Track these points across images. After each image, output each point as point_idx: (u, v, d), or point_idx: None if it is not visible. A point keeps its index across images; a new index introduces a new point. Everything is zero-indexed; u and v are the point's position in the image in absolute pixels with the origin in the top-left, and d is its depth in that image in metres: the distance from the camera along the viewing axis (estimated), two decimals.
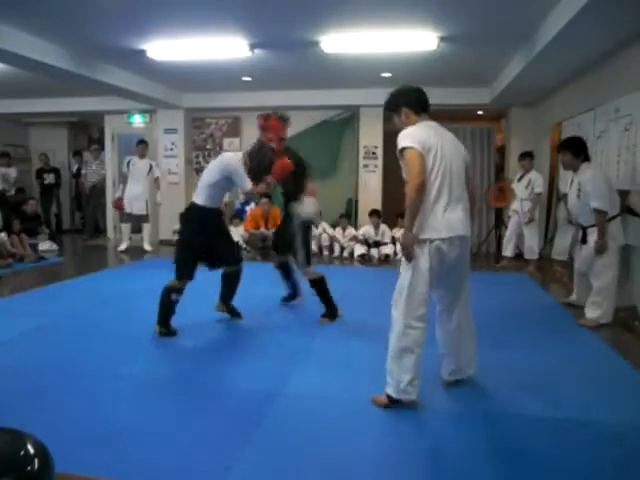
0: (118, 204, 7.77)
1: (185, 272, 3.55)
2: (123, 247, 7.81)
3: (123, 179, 7.80)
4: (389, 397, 2.50)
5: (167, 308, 3.59)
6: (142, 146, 7.81)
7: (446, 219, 2.45)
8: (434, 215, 2.44)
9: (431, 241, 2.43)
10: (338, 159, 8.61)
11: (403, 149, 2.47)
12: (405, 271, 2.50)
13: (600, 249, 3.95)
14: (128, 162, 7.71)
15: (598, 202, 3.90)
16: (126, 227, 7.94)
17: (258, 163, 3.52)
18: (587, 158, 4.17)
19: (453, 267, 2.54)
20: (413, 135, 2.50)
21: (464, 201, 2.59)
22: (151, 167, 7.83)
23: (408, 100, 2.71)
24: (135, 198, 7.67)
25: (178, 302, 3.60)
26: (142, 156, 7.77)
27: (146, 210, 7.81)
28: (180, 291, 3.58)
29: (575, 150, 4.15)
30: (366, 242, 7.55)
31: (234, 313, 3.99)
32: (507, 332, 3.85)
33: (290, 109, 8.27)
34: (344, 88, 7.79)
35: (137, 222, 7.90)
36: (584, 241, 4.15)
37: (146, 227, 7.94)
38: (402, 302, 2.47)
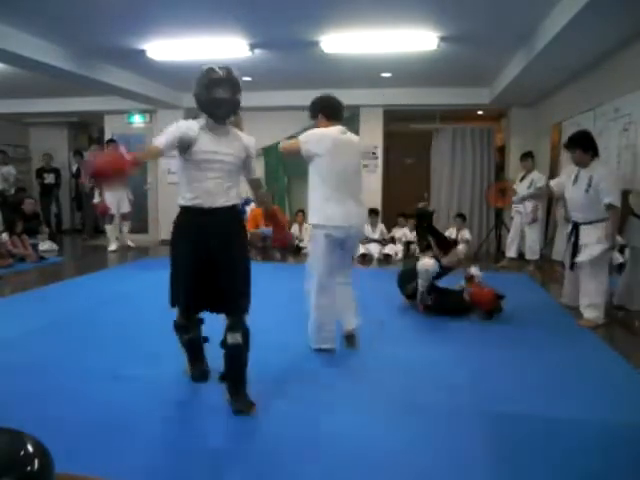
0: (104, 208, 7.70)
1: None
2: (113, 247, 7.84)
3: None
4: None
5: None
6: (114, 146, 7.81)
7: (340, 211, 3.07)
8: (330, 207, 3.07)
9: (324, 227, 3.08)
10: None
11: (297, 139, 3.19)
12: (312, 247, 3.28)
13: (612, 245, 3.94)
14: None
15: (614, 197, 3.84)
16: (112, 228, 7.95)
17: None
18: (596, 153, 4.07)
19: (343, 248, 3.22)
20: (312, 134, 3.16)
21: (357, 195, 3.20)
22: None
23: (321, 108, 3.28)
24: (121, 198, 7.83)
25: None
26: None
27: (130, 207, 8.01)
28: None
29: (584, 146, 4.05)
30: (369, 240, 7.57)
31: None
32: (507, 332, 3.85)
33: (290, 109, 8.33)
34: (344, 88, 7.76)
35: (120, 221, 8.02)
36: (576, 238, 4.10)
37: (127, 224, 8.12)
38: (314, 270, 3.20)
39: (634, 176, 4.33)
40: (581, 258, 4.04)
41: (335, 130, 3.17)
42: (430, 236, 4.61)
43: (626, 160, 4.55)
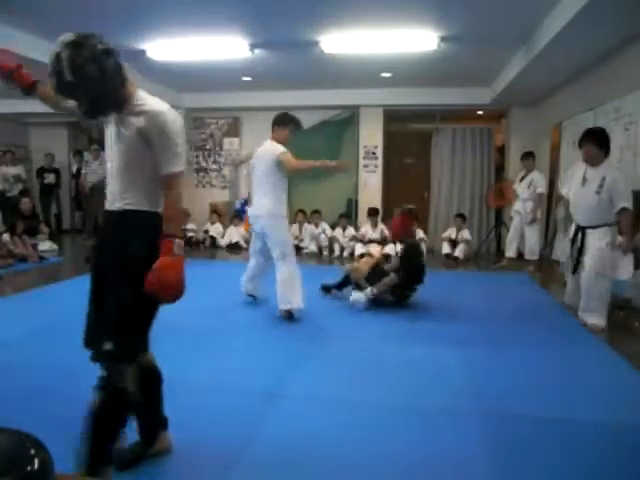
0: None
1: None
2: None
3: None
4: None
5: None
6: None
7: (254, 203, 4.14)
8: (253, 202, 4.17)
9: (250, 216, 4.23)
10: (338, 159, 8.59)
11: None
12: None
13: (629, 248, 3.85)
14: None
15: (628, 201, 3.71)
16: None
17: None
18: (608, 151, 3.88)
19: (262, 233, 4.06)
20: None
21: (265, 192, 3.99)
22: None
23: None
24: None
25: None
26: None
27: None
28: None
29: (600, 142, 3.84)
30: (370, 241, 7.56)
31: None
32: (507, 331, 3.85)
33: (290, 109, 8.31)
34: (344, 88, 7.79)
35: None
36: (581, 242, 3.95)
37: None
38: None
39: (634, 176, 4.33)
40: (590, 263, 3.88)
41: (266, 143, 4.08)
42: None
43: (627, 160, 4.55)
